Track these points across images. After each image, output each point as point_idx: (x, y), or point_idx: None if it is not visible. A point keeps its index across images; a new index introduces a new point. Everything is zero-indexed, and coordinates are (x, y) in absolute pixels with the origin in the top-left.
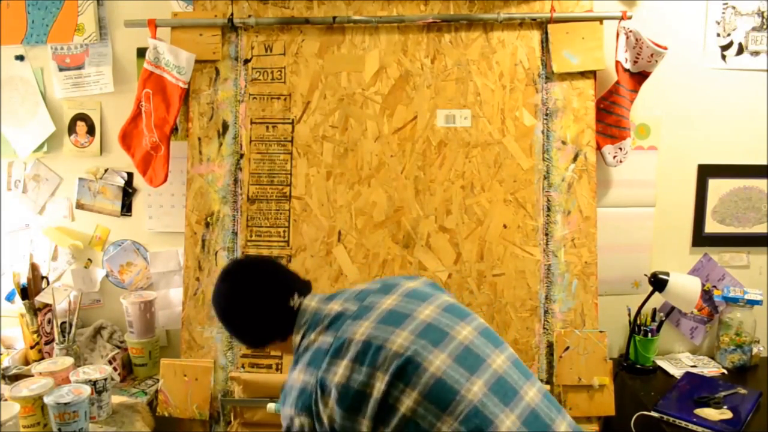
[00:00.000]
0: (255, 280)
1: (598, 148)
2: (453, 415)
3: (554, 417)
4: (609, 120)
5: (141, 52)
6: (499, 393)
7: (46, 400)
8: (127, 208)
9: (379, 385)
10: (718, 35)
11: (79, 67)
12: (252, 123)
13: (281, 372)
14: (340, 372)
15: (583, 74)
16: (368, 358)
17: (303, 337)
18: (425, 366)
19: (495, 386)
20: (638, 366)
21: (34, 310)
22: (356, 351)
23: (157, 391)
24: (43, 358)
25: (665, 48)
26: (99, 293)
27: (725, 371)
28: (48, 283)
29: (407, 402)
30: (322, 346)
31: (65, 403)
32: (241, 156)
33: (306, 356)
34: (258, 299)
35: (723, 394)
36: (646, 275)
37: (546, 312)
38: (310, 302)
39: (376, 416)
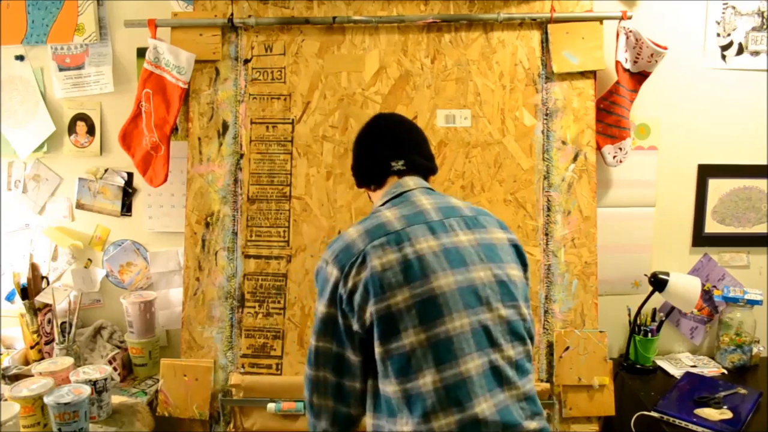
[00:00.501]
0: (383, 126)
1: (598, 148)
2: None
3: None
4: (609, 120)
5: (141, 52)
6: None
7: (46, 400)
8: (127, 208)
9: (399, 299)
10: (718, 35)
11: (79, 67)
12: (252, 123)
13: (281, 372)
14: (384, 261)
15: (583, 74)
16: (408, 275)
17: (382, 204)
18: (444, 319)
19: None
20: (638, 366)
21: (34, 310)
22: (405, 260)
23: (157, 391)
24: (43, 358)
25: (665, 48)
26: (99, 293)
27: (725, 371)
28: (48, 283)
29: (413, 337)
30: (388, 226)
31: (65, 403)
32: (241, 156)
33: (371, 221)
34: (371, 144)
35: (723, 394)
36: (646, 275)
37: (546, 312)
38: (410, 181)
39: (380, 320)
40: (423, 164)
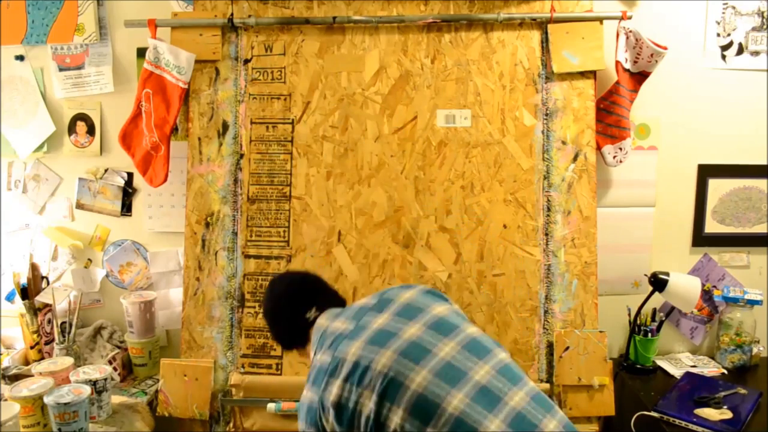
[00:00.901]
0: (284, 289)
1: (598, 148)
2: (436, 427)
3: (542, 417)
4: (609, 120)
5: (141, 52)
6: (482, 402)
7: (46, 400)
8: (127, 208)
9: (369, 404)
10: (718, 35)
11: (79, 67)
12: (252, 123)
13: (281, 372)
14: (334, 391)
15: (583, 74)
16: (357, 377)
17: (315, 353)
18: (407, 384)
19: (477, 396)
20: (638, 366)
21: (34, 310)
22: (347, 371)
23: (157, 391)
24: (43, 358)
25: (665, 48)
26: (99, 293)
27: (725, 371)
28: (48, 283)
29: (395, 419)
30: (323, 366)
31: (65, 403)
32: (241, 156)
33: (312, 374)
34: (281, 308)
35: (723, 394)
36: (646, 275)
37: (546, 312)
38: (322, 319)
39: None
40: (330, 298)
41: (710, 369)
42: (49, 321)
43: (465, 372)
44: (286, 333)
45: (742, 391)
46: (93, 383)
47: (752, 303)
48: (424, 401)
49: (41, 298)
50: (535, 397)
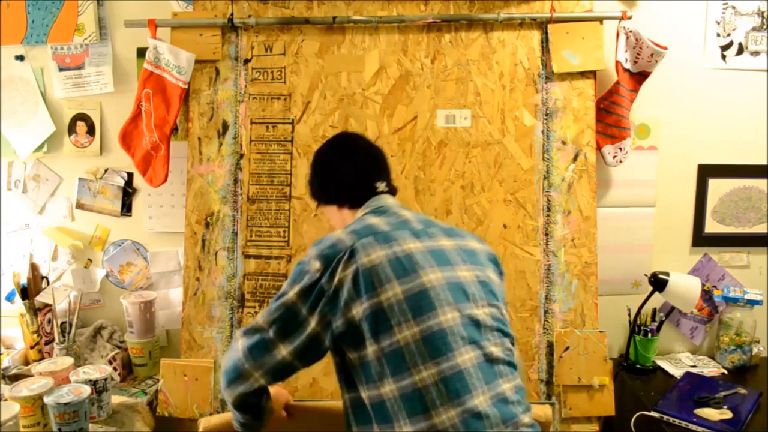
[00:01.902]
0: (370, 146)
1: (598, 148)
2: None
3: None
4: (609, 120)
5: (141, 52)
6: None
7: (46, 400)
8: (127, 208)
9: (390, 294)
10: (718, 35)
11: (79, 67)
12: (252, 123)
13: None
14: (373, 256)
15: (583, 74)
16: (397, 270)
17: (364, 215)
18: (436, 312)
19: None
20: (638, 366)
21: (34, 310)
22: (395, 258)
23: (157, 391)
24: (43, 358)
25: (665, 48)
26: (99, 293)
27: (725, 371)
28: (48, 283)
29: (406, 331)
30: (376, 227)
31: (65, 403)
32: (241, 156)
33: (355, 225)
34: (354, 162)
35: (723, 394)
36: (646, 275)
37: (546, 312)
38: (389, 199)
39: (372, 316)
40: (394, 190)
41: (710, 369)
42: (49, 321)
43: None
44: (343, 186)
45: (742, 391)
46: (93, 383)
47: (752, 303)
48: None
49: (41, 298)
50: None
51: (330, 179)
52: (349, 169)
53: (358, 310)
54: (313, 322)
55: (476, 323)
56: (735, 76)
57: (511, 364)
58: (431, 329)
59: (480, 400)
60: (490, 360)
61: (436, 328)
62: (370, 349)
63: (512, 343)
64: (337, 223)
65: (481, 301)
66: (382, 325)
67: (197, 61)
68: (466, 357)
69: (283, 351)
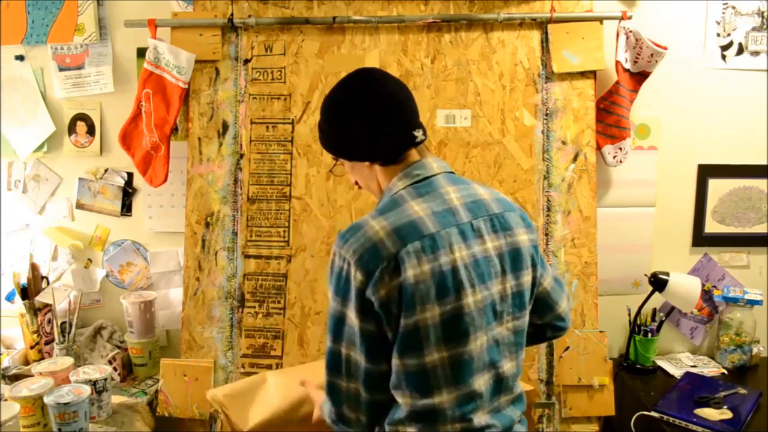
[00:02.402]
0: (394, 91)
1: (598, 148)
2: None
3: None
4: (609, 120)
5: (141, 52)
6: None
7: (46, 400)
8: (127, 208)
9: (428, 315)
10: (718, 35)
11: (79, 67)
12: (252, 123)
13: None
14: (418, 272)
15: (583, 74)
16: (440, 290)
17: (404, 188)
18: (469, 338)
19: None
20: (638, 366)
21: (34, 310)
22: (439, 273)
23: (157, 391)
24: (43, 358)
25: (665, 48)
26: (99, 293)
27: (725, 371)
28: (48, 283)
29: (435, 355)
30: (421, 225)
31: (65, 403)
32: (241, 156)
33: (398, 215)
34: (384, 108)
35: (723, 394)
36: (646, 275)
37: None
38: (432, 162)
39: (405, 334)
40: (425, 131)
41: (710, 369)
42: (49, 321)
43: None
44: (374, 136)
45: (742, 391)
46: (93, 383)
47: (752, 303)
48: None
49: (41, 298)
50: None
51: (357, 131)
52: (380, 116)
53: (399, 323)
54: (372, 328)
55: (497, 342)
56: (735, 76)
57: (517, 375)
58: (461, 356)
59: (481, 419)
60: (500, 379)
61: (465, 356)
62: (394, 363)
63: (521, 346)
64: (364, 182)
65: (508, 317)
66: (413, 343)
67: (197, 61)
68: (481, 381)
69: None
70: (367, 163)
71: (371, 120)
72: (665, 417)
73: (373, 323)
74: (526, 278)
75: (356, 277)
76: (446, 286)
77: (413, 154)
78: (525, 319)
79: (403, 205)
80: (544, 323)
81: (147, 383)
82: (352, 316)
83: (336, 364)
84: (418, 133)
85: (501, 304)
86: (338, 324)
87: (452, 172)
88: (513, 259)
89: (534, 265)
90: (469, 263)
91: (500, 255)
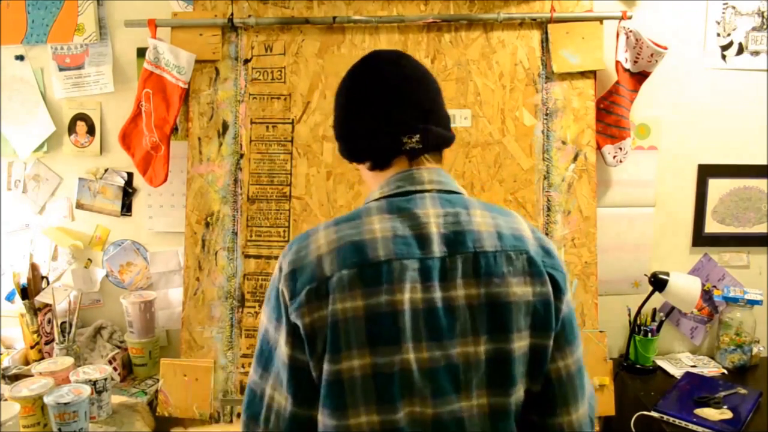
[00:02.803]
0: (389, 82)
1: (598, 148)
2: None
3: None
4: (609, 120)
5: (141, 52)
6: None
7: (46, 400)
8: (127, 208)
9: (356, 365)
10: (718, 35)
11: (79, 67)
12: (252, 123)
13: None
14: (349, 306)
15: (583, 74)
16: (373, 334)
17: (377, 199)
18: (401, 405)
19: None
20: (638, 366)
21: (34, 310)
22: (374, 313)
23: (157, 391)
24: (43, 358)
25: (665, 48)
26: (99, 293)
27: (725, 371)
28: (48, 283)
29: (363, 418)
30: (369, 249)
31: (65, 403)
32: (241, 156)
33: (350, 231)
34: (371, 104)
35: (723, 394)
36: (646, 275)
37: None
38: (424, 174)
39: (327, 384)
40: (440, 135)
41: (710, 369)
42: (49, 321)
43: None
44: (360, 138)
45: (742, 391)
46: (93, 383)
47: (752, 303)
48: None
49: (41, 298)
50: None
51: (347, 130)
52: (365, 114)
53: (318, 367)
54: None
55: (460, 424)
56: (735, 76)
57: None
58: (394, 426)
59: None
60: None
61: (401, 425)
62: (318, 415)
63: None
64: (365, 184)
65: (479, 391)
66: (336, 400)
67: (197, 61)
68: None
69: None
70: (364, 166)
71: (354, 117)
72: (665, 417)
73: (305, 353)
74: (517, 344)
75: (283, 292)
76: (382, 330)
77: (403, 162)
78: (513, 400)
79: (362, 219)
80: (544, 426)
81: (147, 383)
82: (282, 343)
83: (255, 408)
84: (410, 140)
85: (467, 372)
86: (266, 351)
87: (454, 192)
88: (491, 316)
89: (539, 328)
90: (420, 309)
91: (472, 307)
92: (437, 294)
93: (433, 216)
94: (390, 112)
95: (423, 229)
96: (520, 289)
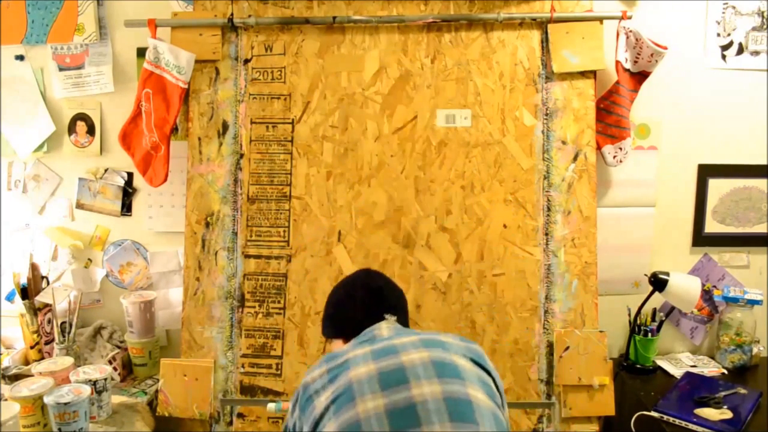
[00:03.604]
0: (365, 294)
1: (598, 148)
2: None
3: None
4: (609, 120)
5: (141, 52)
6: None
7: (46, 400)
8: (127, 208)
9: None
10: (718, 35)
11: (79, 67)
12: (252, 123)
13: (281, 373)
14: (314, 375)
15: (583, 74)
16: (338, 402)
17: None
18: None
19: None
20: (638, 366)
21: (34, 310)
22: (338, 389)
23: (157, 391)
24: (43, 358)
25: (665, 48)
26: (99, 293)
27: (725, 371)
28: (48, 283)
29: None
30: (338, 352)
31: (65, 403)
32: (241, 156)
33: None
34: (352, 307)
35: (723, 394)
36: (646, 275)
37: (546, 312)
38: (384, 326)
39: None
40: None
41: (710, 369)
42: (49, 321)
43: None
44: (339, 325)
45: (742, 391)
46: (93, 383)
47: (752, 303)
48: None
49: (41, 298)
50: None
51: (330, 316)
52: (348, 318)
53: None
54: None
55: (412, 406)
56: (735, 76)
57: None
58: (348, 419)
59: None
60: None
61: (353, 417)
62: None
63: None
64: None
65: (428, 379)
66: None
67: (197, 61)
68: None
69: None
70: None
71: (340, 318)
72: (665, 417)
73: None
74: (471, 390)
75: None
76: (341, 397)
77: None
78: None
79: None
80: None
81: (147, 383)
82: None
83: None
84: (374, 330)
85: (426, 405)
86: None
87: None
88: (441, 366)
89: (484, 377)
90: (374, 373)
91: (422, 363)
92: (390, 361)
93: (385, 334)
94: (361, 311)
95: (379, 338)
96: (456, 358)
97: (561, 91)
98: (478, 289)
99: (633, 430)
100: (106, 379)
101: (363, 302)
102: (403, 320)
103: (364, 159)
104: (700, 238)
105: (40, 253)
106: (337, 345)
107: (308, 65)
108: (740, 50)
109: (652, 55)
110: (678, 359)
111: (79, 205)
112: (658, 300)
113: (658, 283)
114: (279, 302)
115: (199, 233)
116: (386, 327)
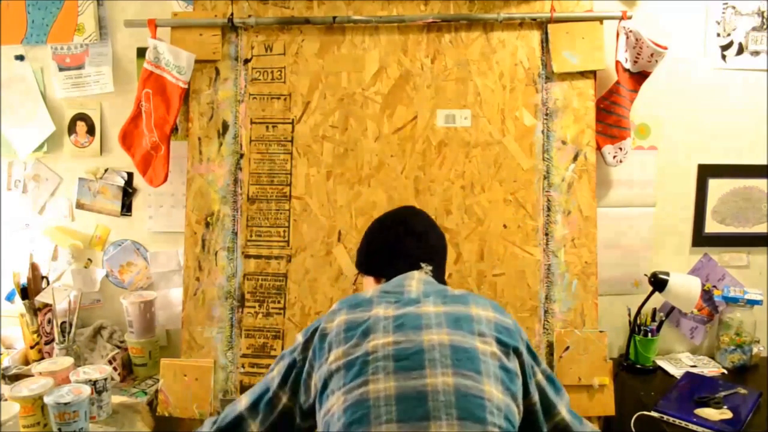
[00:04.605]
0: (404, 232)
1: (598, 148)
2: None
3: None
4: (609, 120)
5: (141, 52)
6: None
7: (46, 400)
8: (127, 208)
9: (331, 359)
10: (718, 35)
11: (79, 67)
12: (252, 123)
13: None
14: (330, 323)
15: (583, 74)
16: (347, 336)
17: (377, 290)
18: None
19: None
20: (638, 366)
21: (34, 310)
22: (349, 323)
23: (157, 391)
24: (43, 358)
25: (665, 48)
26: (99, 293)
27: (725, 371)
28: (48, 283)
29: (337, 398)
30: (360, 295)
31: (65, 403)
32: (241, 156)
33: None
34: (390, 244)
35: (723, 394)
36: (646, 275)
37: (546, 312)
38: (411, 282)
39: (321, 382)
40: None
41: (710, 369)
42: (49, 321)
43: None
44: (373, 260)
45: (742, 391)
46: (93, 383)
47: (752, 303)
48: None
49: (41, 298)
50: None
51: (371, 256)
52: (385, 248)
53: (313, 377)
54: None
55: (423, 396)
56: (735, 76)
57: None
58: (358, 398)
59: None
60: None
61: (363, 396)
62: (317, 410)
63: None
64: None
65: (443, 368)
66: (322, 393)
67: (197, 61)
68: None
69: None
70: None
71: (382, 252)
72: (665, 417)
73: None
74: (479, 344)
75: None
76: (353, 332)
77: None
78: (478, 385)
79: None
80: None
81: (147, 383)
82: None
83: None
84: (406, 278)
85: (433, 351)
86: None
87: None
88: (456, 320)
89: (506, 347)
90: (390, 316)
91: (436, 314)
92: (407, 309)
93: (414, 286)
94: (406, 258)
95: (405, 288)
96: (480, 311)
97: (561, 91)
98: (477, 289)
99: (633, 430)
100: (106, 379)
101: (402, 245)
102: (440, 273)
103: (364, 159)
104: (700, 238)
105: (40, 253)
106: (368, 283)
107: (308, 65)
108: (740, 50)
109: (652, 55)
110: (678, 359)
111: (79, 205)
112: (658, 300)
113: (658, 283)
114: (279, 302)
115: (199, 233)
116: (417, 280)
